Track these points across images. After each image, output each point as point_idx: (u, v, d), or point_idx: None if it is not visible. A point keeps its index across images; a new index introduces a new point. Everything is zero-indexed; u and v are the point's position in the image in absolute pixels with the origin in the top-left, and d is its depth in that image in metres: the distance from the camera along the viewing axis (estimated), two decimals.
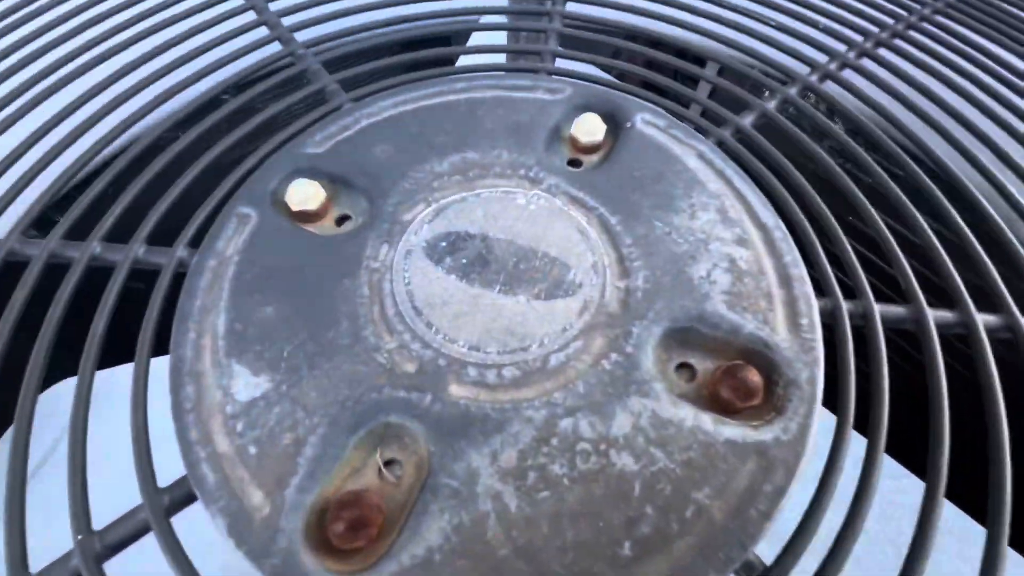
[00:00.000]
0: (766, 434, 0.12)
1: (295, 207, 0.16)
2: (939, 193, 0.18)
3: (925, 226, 0.17)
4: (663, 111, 0.19)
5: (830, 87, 0.22)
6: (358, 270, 0.15)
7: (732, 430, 0.12)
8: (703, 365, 0.14)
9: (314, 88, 0.20)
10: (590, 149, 0.18)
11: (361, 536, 0.11)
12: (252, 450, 0.12)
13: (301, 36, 0.24)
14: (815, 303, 0.14)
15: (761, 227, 0.16)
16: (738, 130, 0.20)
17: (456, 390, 0.13)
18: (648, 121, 0.18)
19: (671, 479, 0.12)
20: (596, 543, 0.11)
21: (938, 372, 0.14)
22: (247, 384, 0.13)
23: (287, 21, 0.24)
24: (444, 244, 0.15)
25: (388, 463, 0.13)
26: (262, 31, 0.24)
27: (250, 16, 0.24)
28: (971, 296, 0.16)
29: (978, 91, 0.21)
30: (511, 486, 0.12)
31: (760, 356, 0.14)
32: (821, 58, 0.22)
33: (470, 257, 0.15)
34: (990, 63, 0.23)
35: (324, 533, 0.11)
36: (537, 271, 0.15)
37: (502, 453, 0.12)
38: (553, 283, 0.15)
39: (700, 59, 0.25)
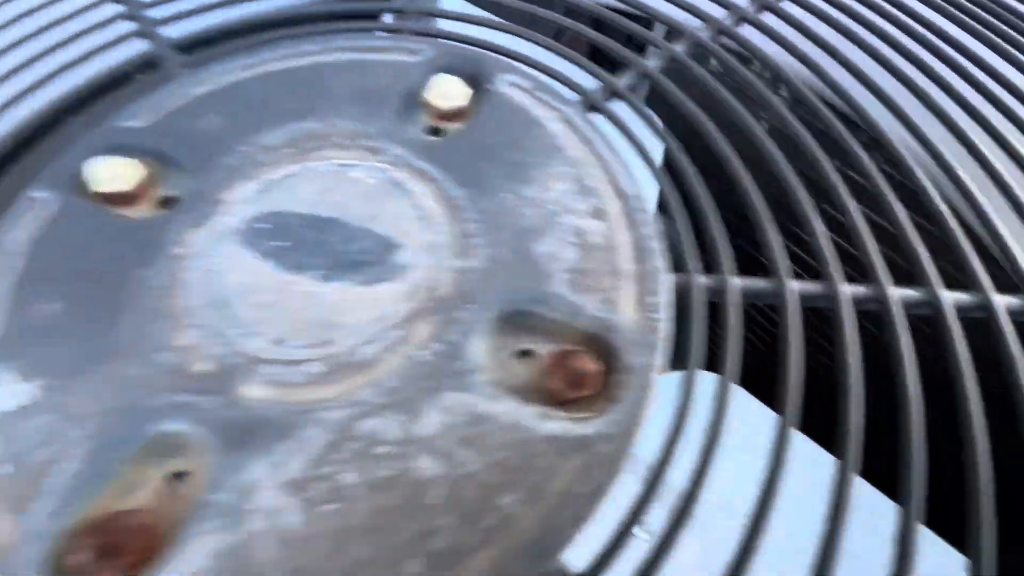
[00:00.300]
0: (589, 428, 0.11)
1: (102, 188, 0.14)
2: (858, 148, 0.17)
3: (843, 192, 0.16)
4: (532, 74, 0.17)
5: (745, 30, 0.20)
6: (158, 257, 0.13)
7: (555, 424, 0.11)
8: (546, 351, 0.13)
9: (145, 53, 0.18)
10: (451, 116, 0.16)
11: (111, 566, 0.10)
12: (4, 470, 0.11)
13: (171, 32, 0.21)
14: (664, 279, 0.13)
15: (621, 196, 0.14)
16: (645, 74, 0.18)
17: (249, 391, 0.11)
18: (512, 83, 0.17)
19: (478, 484, 0.10)
20: (382, 562, 0.10)
21: (843, 349, 0.13)
22: (12, 392, 0.12)
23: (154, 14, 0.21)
24: (262, 226, 0.14)
25: (177, 475, 0.11)
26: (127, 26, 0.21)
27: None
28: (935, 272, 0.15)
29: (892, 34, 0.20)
30: (294, 500, 0.10)
31: (601, 340, 0.12)
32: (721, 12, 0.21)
33: (290, 240, 0.14)
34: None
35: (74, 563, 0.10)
36: (364, 253, 0.13)
37: (288, 462, 0.11)
38: (380, 266, 0.13)
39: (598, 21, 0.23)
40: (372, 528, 0.10)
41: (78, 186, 0.15)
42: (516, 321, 0.13)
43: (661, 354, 0.12)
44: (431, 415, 0.11)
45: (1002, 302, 0.14)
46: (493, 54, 0.18)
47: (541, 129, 0.16)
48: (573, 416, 0.11)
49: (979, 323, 0.14)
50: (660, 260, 0.13)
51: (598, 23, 0.22)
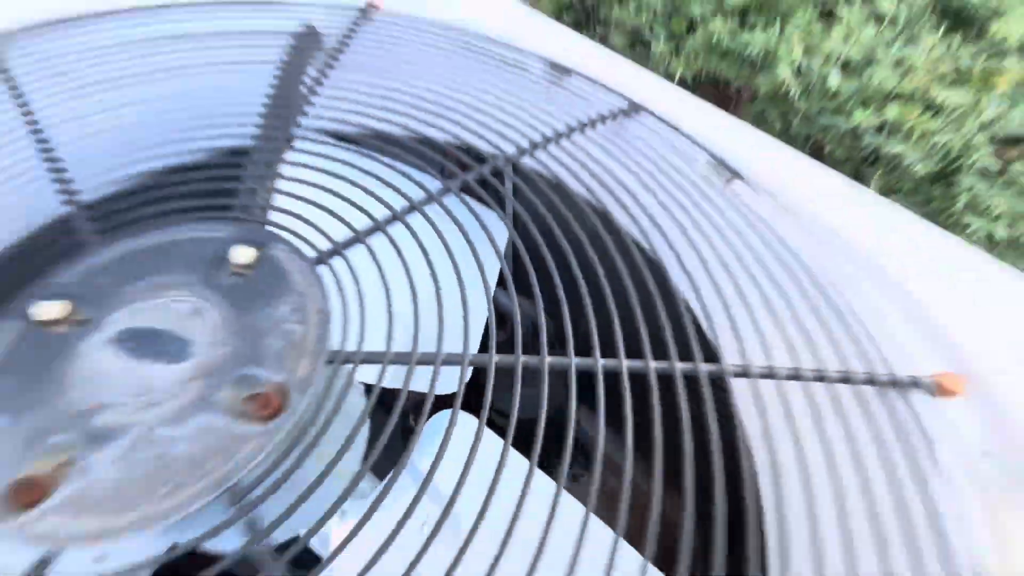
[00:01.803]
0: (260, 426, 0.24)
1: (38, 318, 0.27)
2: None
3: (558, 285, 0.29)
4: (290, 244, 0.31)
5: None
6: (66, 353, 0.26)
7: (243, 427, 0.24)
8: (253, 391, 0.25)
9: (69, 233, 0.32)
10: (246, 267, 0.30)
11: (21, 500, 0.22)
12: None
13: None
14: (321, 354, 0.26)
15: (319, 312, 0.28)
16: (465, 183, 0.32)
17: (101, 419, 0.24)
18: (279, 248, 0.30)
19: (195, 455, 0.23)
20: (145, 492, 0.22)
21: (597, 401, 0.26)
22: None
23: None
24: (123, 335, 0.27)
25: (61, 464, 0.23)
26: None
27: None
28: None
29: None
30: (114, 467, 0.22)
31: (283, 386, 0.25)
32: (510, 149, 0.36)
33: (135, 342, 0.26)
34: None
35: None
36: (173, 347, 0.26)
37: (116, 448, 0.23)
38: (179, 354, 0.26)
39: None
40: (147, 473, 0.22)
41: (26, 316, 0.27)
42: (247, 381, 0.25)
43: (302, 395, 0.25)
44: (188, 424, 0.24)
45: (703, 368, 0.28)
46: (275, 231, 0.32)
47: (287, 276, 0.29)
48: (259, 422, 0.24)
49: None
50: (326, 348, 0.26)
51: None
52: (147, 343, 0.26)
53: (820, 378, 0.28)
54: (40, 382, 0.25)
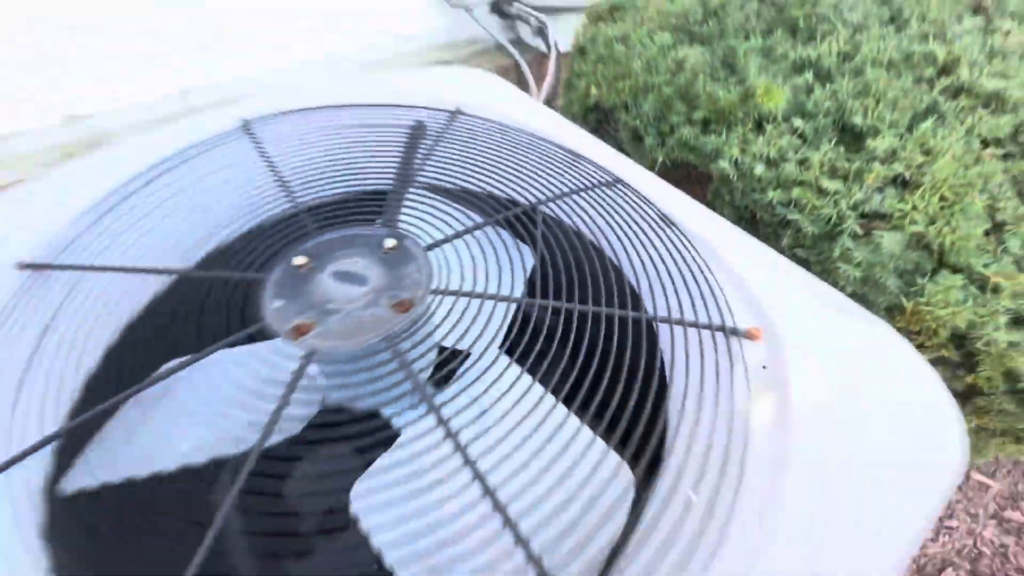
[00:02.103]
0: (400, 315, 0.50)
1: (294, 264, 0.56)
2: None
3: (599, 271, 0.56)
4: (413, 239, 0.59)
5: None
6: (305, 280, 0.54)
7: (392, 316, 0.50)
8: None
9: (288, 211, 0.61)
10: (391, 249, 0.58)
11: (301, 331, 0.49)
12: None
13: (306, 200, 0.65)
14: (427, 288, 0.53)
15: (427, 271, 0.55)
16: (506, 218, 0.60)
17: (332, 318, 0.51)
18: (407, 241, 0.58)
19: (369, 323, 0.50)
20: (351, 333, 0.49)
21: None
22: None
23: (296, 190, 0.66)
24: (333, 273, 0.55)
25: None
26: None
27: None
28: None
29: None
30: (336, 335, 0.50)
31: (410, 300, 0.52)
32: (536, 198, 0.63)
33: (339, 276, 0.54)
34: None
35: None
36: (357, 280, 0.54)
37: (334, 319, 0.50)
38: (361, 283, 0.53)
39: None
40: (351, 327, 0.49)
41: (289, 262, 0.56)
42: (393, 296, 0.52)
43: (422, 304, 0.51)
44: (367, 311, 0.51)
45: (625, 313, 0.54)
46: (405, 232, 0.60)
47: (411, 254, 0.57)
48: (399, 314, 0.50)
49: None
50: (429, 286, 0.53)
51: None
52: (346, 278, 0.54)
53: (707, 327, 0.52)
54: (298, 291, 0.53)
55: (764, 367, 0.49)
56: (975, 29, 0.88)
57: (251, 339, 0.51)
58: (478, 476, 0.39)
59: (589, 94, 1.06)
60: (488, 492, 0.38)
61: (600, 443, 0.42)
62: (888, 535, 0.38)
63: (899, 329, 0.70)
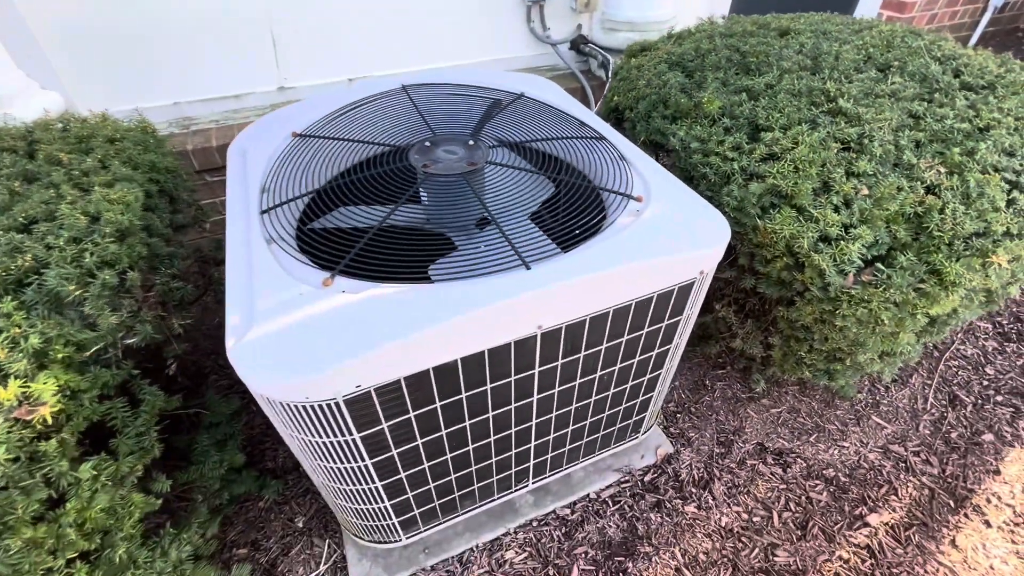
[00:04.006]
0: (474, 168, 1.07)
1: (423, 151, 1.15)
2: None
3: None
4: (484, 147, 1.16)
5: None
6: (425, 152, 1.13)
7: (471, 166, 1.07)
8: None
9: None
10: (473, 147, 1.16)
11: None
12: None
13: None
14: (484, 158, 1.09)
15: (486, 158, 1.12)
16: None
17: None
18: (482, 145, 1.16)
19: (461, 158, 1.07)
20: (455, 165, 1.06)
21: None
22: None
23: None
24: (442, 149, 1.13)
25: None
26: None
27: None
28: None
29: None
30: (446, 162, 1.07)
31: (480, 161, 1.09)
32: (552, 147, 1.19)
33: (445, 152, 1.12)
34: None
35: None
36: (454, 154, 1.11)
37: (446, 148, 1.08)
38: (456, 154, 1.11)
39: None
40: (455, 166, 1.06)
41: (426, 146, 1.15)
42: (470, 161, 1.09)
43: (481, 163, 1.08)
44: (461, 163, 1.08)
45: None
46: (480, 144, 1.17)
47: (480, 150, 1.14)
48: (474, 167, 1.07)
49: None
50: (484, 159, 1.10)
51: None
52: (448, 151, 1.11)
53: (625, 194, 1.04)
54: (425, 153, 1.11)
55: (638, 211, 1.00)
56: (867, 79, 1.35)
57: (401, 171, 1.10)
58: (506, 238, 0.94)
59: (612, 100, 1.62)
60: (510, 243, 0.93)
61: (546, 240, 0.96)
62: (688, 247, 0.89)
63: (757, 244, 1.20)
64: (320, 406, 0.77)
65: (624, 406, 1.23)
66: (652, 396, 1.27)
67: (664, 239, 0.92)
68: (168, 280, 1.14)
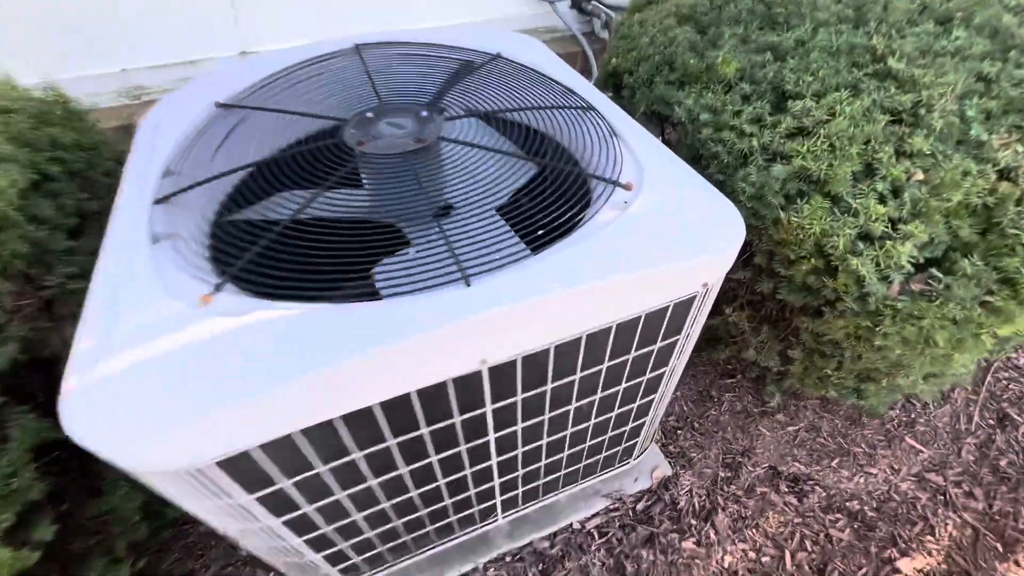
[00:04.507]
0: (422, 146, 0.85)
1: (364, 117, 0.93)
2: None
3: None
4: (439, 117, 0.93)
5: None
6: (369, 123, 0.91)
7: (417, 144, 0.85)
8: None
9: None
10: (428, 119, 0.93)
11: None
12: None
13: None
14: (439, 136, 0.87)
15: (441, 132, 0.89)
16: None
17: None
18: (437, 117, 0.93)
19: (404, 142, 0.85)
20: (394, 145, 0.84)
21: None
22: None
23: None
24: (387, 120, 0.91)
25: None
26: None
27: None
28: None
29: None
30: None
31: (428, 137, 0.87)
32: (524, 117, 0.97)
33: (391, 123, 0.90)
34: None
35: None
36: (401, 128, 0.89)
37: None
38: (402, 128, 0.89)
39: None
40: (394, 143, 0.84)
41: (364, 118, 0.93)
42: (419, 138, 0.87)
43: (433, 140, 0.86)
44: (405, 141, 0.86)
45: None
46: (433, 113, 0.95)
47: (438, 120, 0.91)
48: (422, 144, 0.85)
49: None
50: (440, 137, 0.87)
51: None
52: (392, 124, 0.89)
53: (611, 181, 0.82)
54: (365, 127, 0.89)
55: (625, 202, 0.78)
56: (923, 33, 1.08)
57: (331, 151, 0.88)
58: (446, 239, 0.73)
59: (611, 63, 1.37)
60: (449, 247, 0.71)
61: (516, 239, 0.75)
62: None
63: (779, 241, 0.96)
64: (183, 471, 0.58)
65: (611, 435, 1.03)
66: (646, 421, 1.06)
67: (656, 241, 0.70)
68: (65, 280, 0.95)
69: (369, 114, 0.92)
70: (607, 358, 0.78)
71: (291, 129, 1.01)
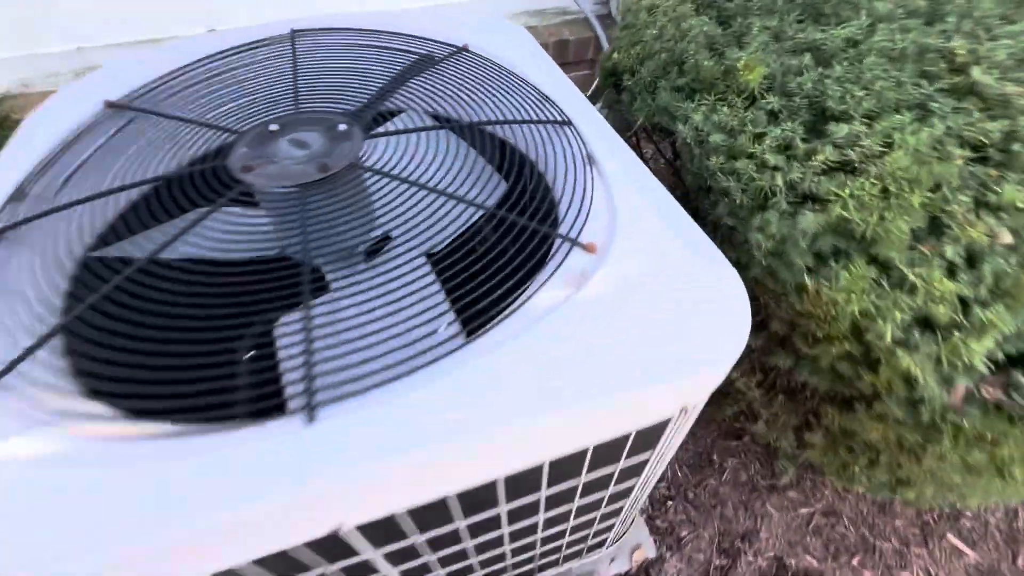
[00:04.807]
0: (326, 174, 0.64)
1: (271, 129, 0.72)
2: None
3: None
4: (360, 125, 0.72)
5: None
6: (273, 138, 0.70)
7: (317, 174, 0.64)
8: None
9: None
10: (346, 132, 0.72)
11: None
12: None
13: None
14: (353, 160, 0.66)
15: (359, 150, 0.68)
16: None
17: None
18: (355, 125, 0.72)
19: (303, 170, 0.64)
20: (293, 174, 0.63)
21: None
22: None
23: None
24: (290, 139, 0.70)
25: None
26: None
27: None
28: None
29: None
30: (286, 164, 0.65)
31: (331, 164, 0.65)
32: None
33: (294, 143, 0.69)
34: None
35: None
36: (305, 148, 0.68)
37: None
38: (305, 148, 0.68)
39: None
40: (293, 171, 0.64)
41: (267, 128, 0.72)
42: (321, 163, 0.66)
43: (350, 163, 0.65)
44: (303, 167, 0.65)
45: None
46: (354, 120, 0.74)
47: (352, 134, 0.70)
48: (324, 172, 0.64)
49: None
50: (360, 157, 0.66)
51: None
52: (296, 143, 0.69)
53: (569, 239, 0.60)
54: (262, 145, 0.69)
55: (583, 274, 0.56)
56: (1021, 34, 0.81)
57: (212, 177, 0.68)
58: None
59: (611, 59, 1.12)
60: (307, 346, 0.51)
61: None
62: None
63: (802, 313, 0.72)
64: None
65: (568, 539, 0.83)
66: (616, 520, 0.85)
67: (614, 349, 0.47)
68: None
69: (273, 126, 0.71)
70: (544, 486, 0.57)
71: (193, 141, 0.81)
